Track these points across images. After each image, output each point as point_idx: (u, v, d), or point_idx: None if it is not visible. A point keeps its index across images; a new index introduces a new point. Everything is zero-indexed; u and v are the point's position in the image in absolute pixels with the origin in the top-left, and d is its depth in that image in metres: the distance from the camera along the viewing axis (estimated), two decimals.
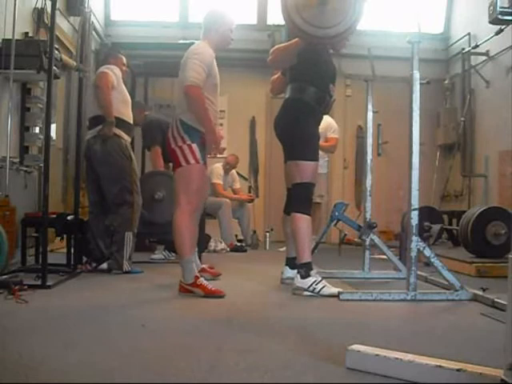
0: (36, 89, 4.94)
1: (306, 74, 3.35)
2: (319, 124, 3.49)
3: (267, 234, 6.75)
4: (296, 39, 3.25)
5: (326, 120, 3.63)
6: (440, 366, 1.59)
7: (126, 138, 4.13)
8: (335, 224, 4.46)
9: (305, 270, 3.23)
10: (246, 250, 6.30)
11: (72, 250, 4.07)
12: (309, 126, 3.36)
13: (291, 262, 3.57)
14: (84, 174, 4.28)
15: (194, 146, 3.20)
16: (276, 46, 3.51)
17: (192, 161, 3.19)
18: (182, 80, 3.21)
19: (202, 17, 3.47)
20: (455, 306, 3.02)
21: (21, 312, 2.58)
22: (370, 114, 4.16)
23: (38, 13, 4.91)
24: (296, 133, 3.33)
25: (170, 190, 4.54)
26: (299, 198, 3.34)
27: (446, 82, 7.93)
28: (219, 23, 3.37)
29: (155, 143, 5.11)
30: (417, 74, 3.14)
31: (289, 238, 3.56)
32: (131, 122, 4.22)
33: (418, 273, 3.27)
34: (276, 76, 3.70)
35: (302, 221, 3.27)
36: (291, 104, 3.38)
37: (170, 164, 3.43)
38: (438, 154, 7.87)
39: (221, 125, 6.62)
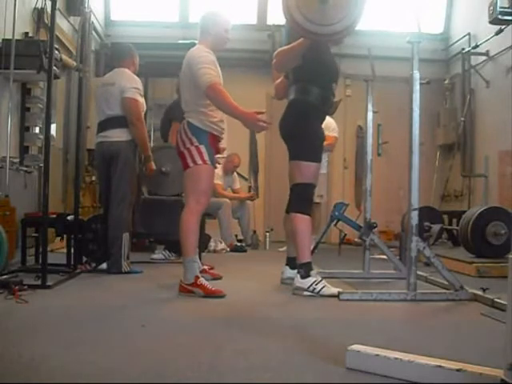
0: (36, 89, 4.94)
1: (309, 75, 3.33)
2: (322, 124, 3.48)
3: (267, 234, 6.76)
4: (300, 40, 3.22)
5: (326, 119, 3.62)
6: (440, 366, 1.59)
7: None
8: (335, 224, 4.46)
9: (305, 270, 3.22)
10: (245, 250, 6.30)
11: (72, 250, 4.07)
12: (313, 127, 3.35)
13: (292, 262, 3.56)
14: (99, 174, 4.26)
15: (202, 147, 3.23)
16: (280, 49, 3.48)
17: (199, 161, 3.21)
18: (196, 85, 3.19)
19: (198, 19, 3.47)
20: (455, 306, 3.02)
21: (21, 312, 2.57)
22: (370, 114, 4.16)
23: (38, 13, 4.93)
24: (299, 133, 3.32)
25: (176, 164, 4.53)
26: (299, 198, 3.34)
27: (446, 82, 7.94)
28: (213, 24, 3.36)
29: (180, 119, 5.05)
30: (417, 74, 3.14)
31: (289, 237, 3.55)
32: None
33: (418, 273, 3.27)
34: (279, 80, 3.67)
35: (302, 221, 3.27)
36: (295, 105, 3.36)
37: None
38: (438, 154, 7.88)
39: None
